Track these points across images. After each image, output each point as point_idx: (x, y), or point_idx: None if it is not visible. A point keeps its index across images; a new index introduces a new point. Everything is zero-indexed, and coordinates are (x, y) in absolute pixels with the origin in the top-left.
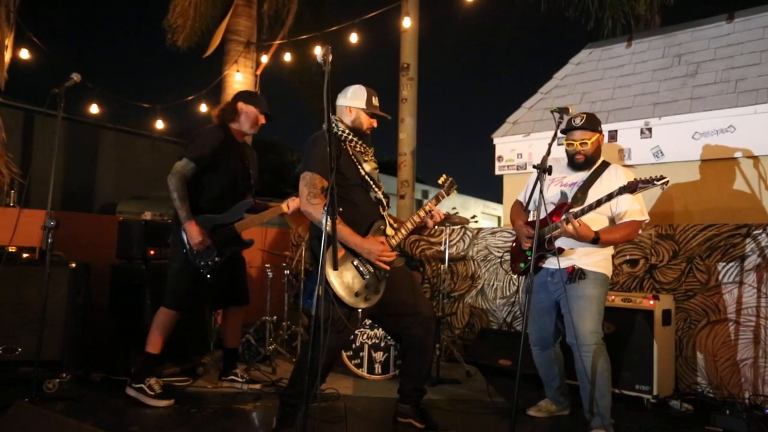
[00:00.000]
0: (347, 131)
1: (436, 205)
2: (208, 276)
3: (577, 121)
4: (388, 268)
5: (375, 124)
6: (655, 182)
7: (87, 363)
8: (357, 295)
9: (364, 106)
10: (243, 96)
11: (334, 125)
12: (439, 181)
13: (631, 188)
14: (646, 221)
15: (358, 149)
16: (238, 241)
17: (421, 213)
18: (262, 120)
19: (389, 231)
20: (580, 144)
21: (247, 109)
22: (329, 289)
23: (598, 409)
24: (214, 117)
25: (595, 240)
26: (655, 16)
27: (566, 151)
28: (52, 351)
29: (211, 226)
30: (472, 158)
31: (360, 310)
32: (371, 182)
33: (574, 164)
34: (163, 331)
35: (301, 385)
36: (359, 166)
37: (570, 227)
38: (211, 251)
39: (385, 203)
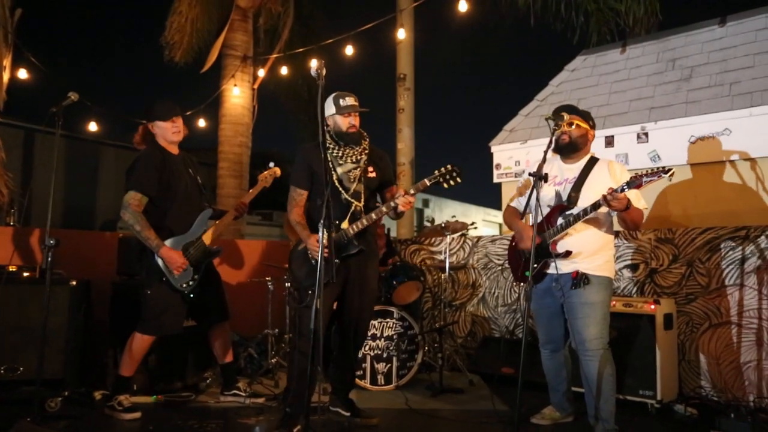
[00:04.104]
0: (328, 139)
1: (415, 193)
2: (191, 296)
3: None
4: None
5: (354, 122)
6: (662, 174)
7: (89, 381)
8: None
9: (335, 111)
10: (147, 116)
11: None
12: (437, 171)
13: (636, 183)
14: (647, 209)
15: (334, 154)
16: (208, 253)
17: (384, 209)
18: (178, 125)
19: (344, 225)
20: (567, 125)
21: (158, 127)
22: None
23: (601, 415)
24: (137, 144)
25: (626, 207)
26: (642, 31)
27: (555, 136)
28: (53, 369)
29: (182, 247)
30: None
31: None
32: (339, 186)
33: (559, 148)
34: (138, 356)
35: (296, 384)
36: (333, 171)
37: (616, 203)
38: (189, 271)
39: (358, 200)
